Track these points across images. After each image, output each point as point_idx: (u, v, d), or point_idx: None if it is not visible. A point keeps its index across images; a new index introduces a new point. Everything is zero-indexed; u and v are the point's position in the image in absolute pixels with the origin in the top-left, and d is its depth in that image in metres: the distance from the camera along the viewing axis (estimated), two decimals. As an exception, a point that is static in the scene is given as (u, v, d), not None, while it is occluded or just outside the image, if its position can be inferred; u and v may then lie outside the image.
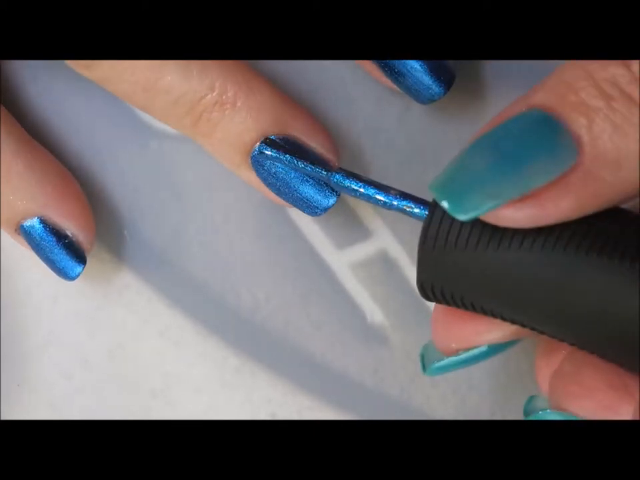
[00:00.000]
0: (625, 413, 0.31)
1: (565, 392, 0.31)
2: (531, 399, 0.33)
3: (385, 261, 0.37)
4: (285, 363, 0.37)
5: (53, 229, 0.36)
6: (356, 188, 0.33)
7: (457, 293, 0.30)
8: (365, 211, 0.37)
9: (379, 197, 0.32)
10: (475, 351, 0.32)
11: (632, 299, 0.28)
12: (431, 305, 0.36)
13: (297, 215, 0.37)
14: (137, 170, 0.37)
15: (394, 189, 0.32)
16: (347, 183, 0.33)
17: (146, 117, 0.37)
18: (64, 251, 0.36)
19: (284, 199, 0.34)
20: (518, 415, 0.35)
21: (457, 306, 0.30)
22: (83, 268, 0.36)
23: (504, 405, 0.36)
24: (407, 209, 0.32)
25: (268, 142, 0.34)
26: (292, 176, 0.34)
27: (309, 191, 0.34)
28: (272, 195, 0.35)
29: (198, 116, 0.34)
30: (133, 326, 0.37)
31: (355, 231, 0.37)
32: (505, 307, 0.30)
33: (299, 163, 0.34)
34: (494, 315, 0.30)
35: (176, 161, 0.37)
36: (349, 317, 0.37)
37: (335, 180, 0.33)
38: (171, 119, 0.35)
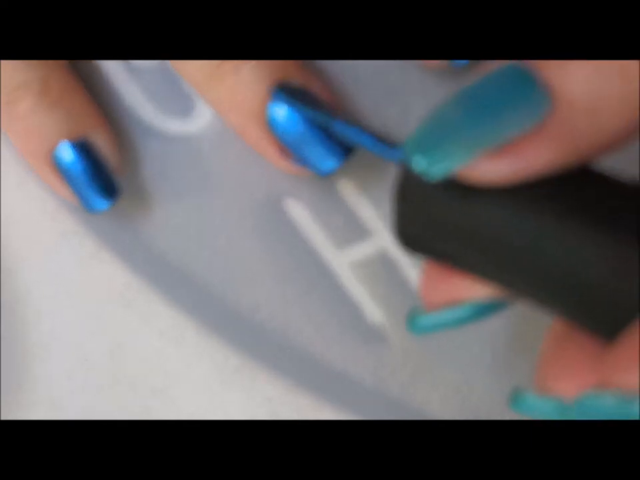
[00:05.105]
0: None
1: (547, 373, 0.31)
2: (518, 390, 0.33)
3: (384, 261, 0.37)
4: (285, 363, 0.37)
5: (95, 153, 0.35)
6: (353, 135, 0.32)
7: (435, 246, 0.30)
8: (365, 211, 0.37)
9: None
10: (459, 310, 0.31)
11: (601, 264, 0.28)
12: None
13: (296, 214, 0.37)
14: (137, 170, 0.37)
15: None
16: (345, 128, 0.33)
17: (146, 117, 0.37)
18: (102, 177, 0.35)
19: (295, 153, 0.35)
20: (518, 415, 0.35)
21: (438, 260, 0.30)
22: (114, 201, 0.36)
23: (504, 405, 0.36)
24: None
25: (283, 87, 0.34)
26: (301, 131, 0.34)
27: (318, 148, 0.34)
28: (277, 157, 0.35)
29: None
30: (133, 325, 0.37)
31: (355, 231, 0.37)
32: (479, 265, 0.29)
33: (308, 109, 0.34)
34: (472, 272, 0.30)
35: (175, 161, 0.37)
36: (349, 317, 0.37)
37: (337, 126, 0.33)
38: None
